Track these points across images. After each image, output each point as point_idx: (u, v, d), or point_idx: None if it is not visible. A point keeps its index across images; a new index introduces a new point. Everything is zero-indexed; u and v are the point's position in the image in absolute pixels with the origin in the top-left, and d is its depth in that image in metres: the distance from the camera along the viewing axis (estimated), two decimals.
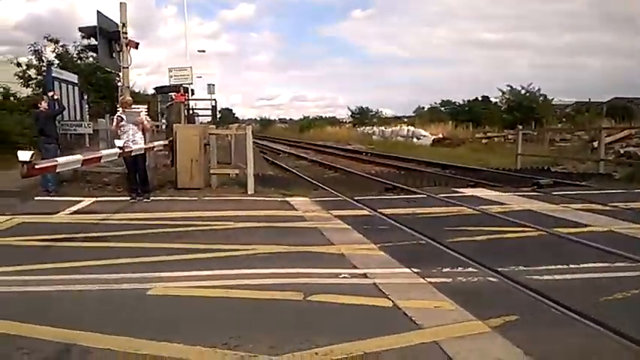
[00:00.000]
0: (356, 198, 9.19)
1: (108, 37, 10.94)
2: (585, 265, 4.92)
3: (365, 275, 4.68)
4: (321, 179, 12.94)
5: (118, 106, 9.43)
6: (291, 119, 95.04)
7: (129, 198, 9.07)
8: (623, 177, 12.51)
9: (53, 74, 14.07)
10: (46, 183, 9.68)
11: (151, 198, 9.09)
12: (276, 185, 11.12)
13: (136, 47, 11.12)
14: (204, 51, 43.89)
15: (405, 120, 50.20)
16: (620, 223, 6.87)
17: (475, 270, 4.76)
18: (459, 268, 4.83)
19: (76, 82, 16.10)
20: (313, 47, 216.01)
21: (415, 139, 31.98)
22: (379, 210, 7.86)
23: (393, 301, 3.98)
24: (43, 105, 10.13)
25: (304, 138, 44.64)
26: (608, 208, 7.96)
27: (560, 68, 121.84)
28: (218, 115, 31.65)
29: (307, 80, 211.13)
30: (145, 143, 9.13)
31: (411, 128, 35.40)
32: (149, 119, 9.88)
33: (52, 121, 10.13)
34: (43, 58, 23.65)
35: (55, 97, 10.86)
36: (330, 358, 3.03)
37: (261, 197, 9.55)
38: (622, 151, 15.72)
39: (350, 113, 61.82)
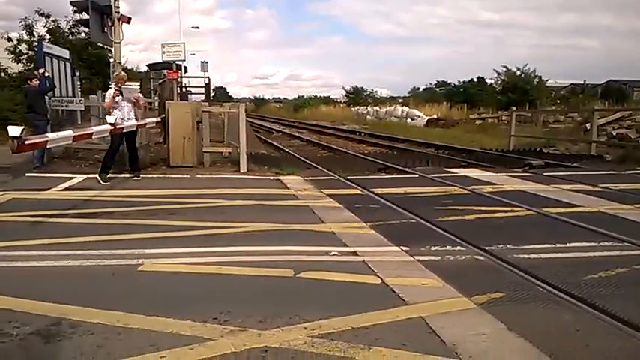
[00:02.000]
0: (348, 177, 9.23)
1: (100, 11, 10.78)
2: (572, 245, 4.99)
3: (355, 253, 4.73)
4: (314, 159, 12.97)
5: (110, 82, 9.25)
6: (285, 98, 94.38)
7: (101, 179, 8.46)
8: (614, 159, 12.59)
9: (44, 49, 13.89)
10: (35, 159, 9.65)
11: (142, 176, 9.01)
12: (269, 164, 11.11)
13: (128, 22, 10.97)
14: (198, 27, 43.53)
15: (400, 100, 49.99)
16: (609, 203, 6.96)
17: (463, 248, 4.83)
18: (448, 247, 4.89)
19: (68, 57, 15.91)
20: (310, 25, 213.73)
21: (409, 120, 31.90)
22: (371, 189, 7.90)
23: (381, 278, 4.03)
24: (34, 81, 10.05)
25: (298, 117, 44.50)
26: (597, 189, 8.04)
27: (559, 49, 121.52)
28: (212, 94, 31.38)
29: (303, 59, 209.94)
30: (137, 121, 9.05)
31: (406, 109, 35.26)
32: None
33: (42, 97, 10.04)
34: (35, 33, 23.26)
35: (47, 74, 10.76)
36: (319, 332, 3.08)
37: (253, 176, 9.56)
38: (614, 133, 15.78)
39: (345, 93, 61.52)
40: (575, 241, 5.09)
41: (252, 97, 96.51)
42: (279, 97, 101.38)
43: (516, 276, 4.10)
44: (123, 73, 9.71)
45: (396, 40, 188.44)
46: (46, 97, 10.39)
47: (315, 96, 74.76)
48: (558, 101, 33.82)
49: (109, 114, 8.54)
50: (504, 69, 36.39)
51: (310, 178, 9.28)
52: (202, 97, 26.21)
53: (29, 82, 10.18)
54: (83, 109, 12.81)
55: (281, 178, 9.25)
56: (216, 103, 25.14)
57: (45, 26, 24.07)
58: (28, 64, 21.57)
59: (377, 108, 40.75)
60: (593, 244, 5.03)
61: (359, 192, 7.93)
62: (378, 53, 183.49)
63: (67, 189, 7.94)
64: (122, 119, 8.52)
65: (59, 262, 4.34)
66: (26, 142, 5.36)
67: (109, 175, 8.61)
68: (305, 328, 3.12)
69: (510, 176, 9.67)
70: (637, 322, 3.18)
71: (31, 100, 9.83)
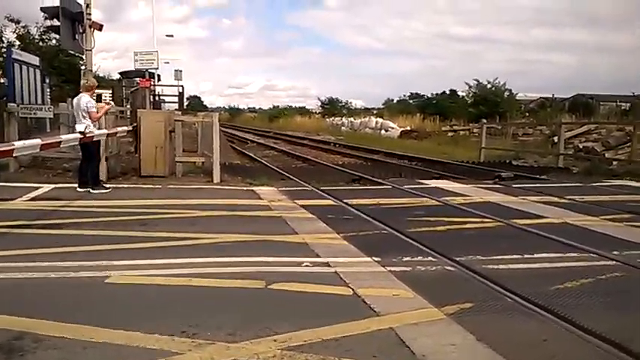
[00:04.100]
0: (322, 188, 9.24)
1: (71, 17, 10.63)
2: (539, 255, 5.10)
3: (327, 264, 4.72)
4: (288, 169, 12.97)
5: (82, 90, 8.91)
6: (260, 108, 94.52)
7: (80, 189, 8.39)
8: (580, 171, 12.96)
9: (13, 56, 13.64)
10: None
11: (111, 186, 8.74)
12: (243, 174, 11.08)
13: (100, 29, 10.86)
14: (172, 36, 43.16)
15: (375, 112, 50.56)
16: (575, 215, 7.13)
17: (434, 259, 4.87)
18: (419, 258, 4.93)
19: (38, 64, 15.64)
20: (286, 35, 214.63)
21: (383, 131, 32.27)
22: (344, 200, 7.93)
23: (353, 290, 4.03)
24: None
25: (273, 127, 44.49)
26: (564, 200, 8.24)
27: (529, 64, 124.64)
28: (186, 103, 31.16)
29: (279, 69, 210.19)
30: None
31: (380, 120, 35.71)
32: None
33: None
34: (3, 39, 22.82)
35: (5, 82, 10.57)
36: (289, 345, 3.06)
37: (227, 186, 9.50)
38: (581, 146, 16.23)
39: (320, 104, 61.92)
40: (542, 252, 5.19)
41: (227, 107, 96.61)
42: (254, 107, 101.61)
43: (485, 286, 4.16)
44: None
45: (372, 52, 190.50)
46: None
47: (291, 106, 75.16)
48: (527, 114, 34.67)
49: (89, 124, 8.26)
50: (476, 82, 37.23)
51: (284, 188, 9.27)
52: (176, 105, 26.01)
53: None
54: (52, 116, 12.55)
55: (254, 188, 9.21)
56: (190, 112, 24.98)
57: (14, 32, 23.66)
58: None
59: (352, 119, 41.18)
60: (559, 255, 5.14)
61: (332, 203, 7.95)
62: (353, 65, 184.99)
63: (33, 199, 7.74)
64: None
65: (24, 274, 4.22)
66: None
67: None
68: (275, 341, 3.10)
69: (480, 188, 9.83)
70: (601, 332, 3.25)
71: None
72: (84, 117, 8.21)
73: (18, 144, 6.18)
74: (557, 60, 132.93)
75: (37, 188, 8.47)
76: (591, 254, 5.12)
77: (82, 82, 8.72)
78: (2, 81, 10.65)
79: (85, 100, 8.28)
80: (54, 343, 3.00)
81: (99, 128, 8.44)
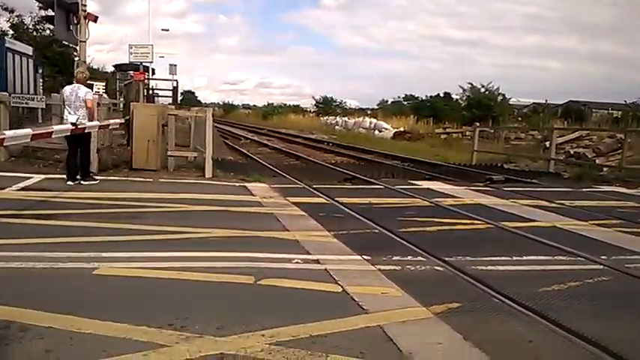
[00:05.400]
0: (314, 186, 9.25)
1: (66, 8, 10.55)
2: (528, 258, 5.13)
3: (317, 261, 4.73)
4: (281, 167, 12.97)
5: (73, 79, 8.88)
6: (255, 105, 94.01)
7: (70, 182, 8.23)
8: (571, 176, 13.04)
9: (7, 45, 13.52)
10: None
11: (99, 178, 8.70)
12: (236, 170, 11.05)
13: (95, 21, 10.78)
14: (167, 30, 42.97)
15: (369, 112, 50.64)
16: (564, 219, 7.19)
17: (423, 259, 4.90)
18: (409, 257, 4.94)
19: (31, 54, 15.52)
20: (283, 33, 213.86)
21: (377, 132, 32.34)
22: (336, 198, 7.94)
23: (342, 287, 4.05)
24: None
25: (267, 125, 44.42)
26: (554, 205, 8.29)
27: (523, 69, 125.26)
28: (179, 97, 31.04)
29: (274, 67, 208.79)
30: None
31: (374, 120, 35.80)
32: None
33: None
34: None
35: None
36: (277, 340, 3.06)
37: (219, 182, 9.47)
38: (572, 152, 16.32)
39: (314, 102, 61.92)
40: (531, 255, 5.23)
41: (222, 103, 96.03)
42: (248, 104, 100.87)
43: (474, 287, 4.18)
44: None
45: (367, 53, 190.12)
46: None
47: (285, 104, 75.02)
48: (520, 119, 34.89)
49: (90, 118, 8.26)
50: (469, 86, 37.42)
51: (276, 185, 9.26)
52: (170, 100, 25.89)
53: None
54: (44, 107, 12.44)
55: (246, 184, 9.19)
56: (184, 107, 24.85)
57: (8, 21, 23.50)
58: None
59: (346, 119, 41.22)
60: (547, 257, 5.18)
61: (324, 201, 7.96)
62: (348, 65, 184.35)
63: (23, 189, 7.68)
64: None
65: (11, 264, 4.19)
66: None
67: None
68: (263, 336, 3.10)
69: (472, 190, 9.88)
70: (586, 334, 3.29)
71: None
72: (81, 107, 8.17)
73: (9, 133, 6.12)
74: (551, 66, 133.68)
75: (27, 178, 8.41)
76: (579, 258, 5.17)
77: (79, 75, 8.63)
78: None
79: (84, 90, 8.28)
80: (40, 333, 2.99)
81: (90, 120, 8.37)
